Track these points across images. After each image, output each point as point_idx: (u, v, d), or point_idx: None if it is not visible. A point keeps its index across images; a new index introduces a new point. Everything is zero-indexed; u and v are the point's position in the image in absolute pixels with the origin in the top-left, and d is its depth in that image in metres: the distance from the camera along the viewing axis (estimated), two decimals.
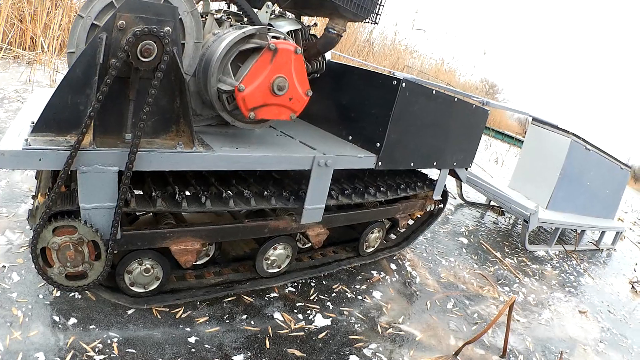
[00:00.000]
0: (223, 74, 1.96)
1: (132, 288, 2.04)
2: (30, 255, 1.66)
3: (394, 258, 3.64)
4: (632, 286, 5.28)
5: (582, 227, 5.68)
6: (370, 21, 2.54)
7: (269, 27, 2.06)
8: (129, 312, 2.14)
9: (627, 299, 4.83)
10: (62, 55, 6.67)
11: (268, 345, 2.21)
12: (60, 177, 1.57)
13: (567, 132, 5.17)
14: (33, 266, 2.17)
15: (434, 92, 2.72)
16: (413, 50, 16.02)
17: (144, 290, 2.08)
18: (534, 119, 5.58)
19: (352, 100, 2.79)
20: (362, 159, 2.52)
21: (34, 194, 2.29)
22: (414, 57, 16.23)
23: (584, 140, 5.28)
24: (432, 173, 3.44)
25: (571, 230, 6.21)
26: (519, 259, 4.75)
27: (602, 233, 6.38)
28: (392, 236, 3.75)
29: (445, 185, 3.48)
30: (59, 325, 1.95)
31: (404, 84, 2.47)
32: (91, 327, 1.99)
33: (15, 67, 5.92)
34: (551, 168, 5.29)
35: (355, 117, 2.76)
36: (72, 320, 1.99)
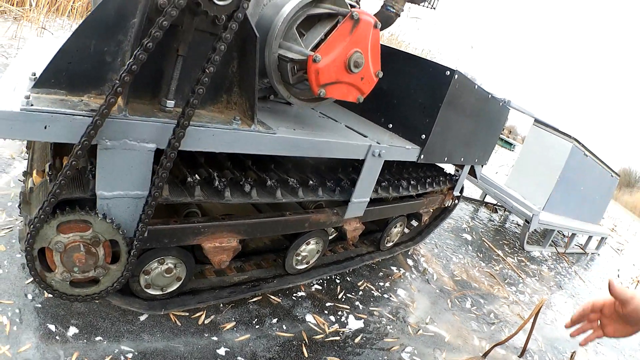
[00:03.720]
0: (285, 40, 1.52)
1: (148, 291, 1.57)
2: (25, 258, 1.16)
3: (409, 253, 3.35)
4: None
5: (575, 231, 5.53)
6: (428, 5, 2.17)
7: None
8: (142, 318, 1.70)
9: None
10: (50, 13, 5.97)
11: (306, 354, 1.84)
12: (75, 155, 1.05)
13: (569, 136, 4.93)
14: (18, 256, 1.70)
15: (476, 86, 2.39)
16: (398, 40, 15.68)
17: (160, 293, 1.62)
18: (536, 120, 5.35)
19: (395, 86, 2.42)
20: (409, 151, 2.17)
21: (25, 170, 1.76)
22: (398, 46, 15.93)
23: (583, 145, 5.06)
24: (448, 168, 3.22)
25: (559, 232, 6.02)
26: (519, 258, 4.55)
27: (589, 237, 6.27)
28: (405, 230, 3.41)
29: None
30: (57, 337, 1.47)
31: (456, 76, 2.17)
32: (97, 338, 1.53)
33: (1, 22, 5.22)
34: (551, 170, 5.06)
35: (397, 104, 2.39)
36: (73, 330, 1.52)
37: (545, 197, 5.06)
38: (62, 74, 1.11)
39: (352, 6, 1.66)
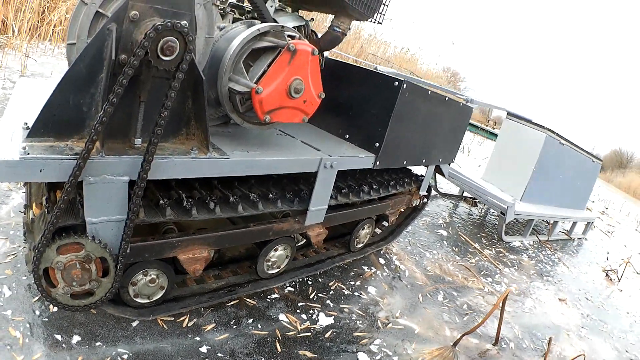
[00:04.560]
0: (234, 73, 1.88)
1: (137, 299, 1.95)
2: (33, 277, 1.51)
3: (381, 252, 3.70)
4: (607, 274, 5.51)
5: (555, 218, 5.89)
6: (374, 20, 2.52)
7: (282, 25, 1.99)
8: (134, 324, 2.06)
9: (602, 286, 5.08)
10: (33, 40, 6.35)
11: (279, 349, 2.20)
12: (66, 191, 1.41)
13: (542, 127, 5.33)
14: (23, 278, 2.08)
15: (430, 92, 2.74)
16: (378, 40, 16.16)
17: (148, 301, 1.99)
18: (509, 113, 5.73)
19: (350, 98, 2.78)
20: (363, 159, 2.53)
21: (25, 203, 2.13)
22: (377, 44, 16.38)
23: (558, 135, 5.47)
24: (415, 168, 3.50)
25: (543, 220, 6.39)
26: (497, 249, 4.90)
27: (574, 223, 6.67)
28: (377, 231, 3.77)
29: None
30: (63, 345, 1.84)
31: (404, 85, 2.51)
32: (97, 344, 1.89)
33: None
34: (526, 161, 5.45)
35: (353, 116, 2.76)
36: (76, 338, 1.88)
37: (523, 188, 5.45)
38: (49, 124, 1.46)
39: (292, 37, 2.01)
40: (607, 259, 6.34)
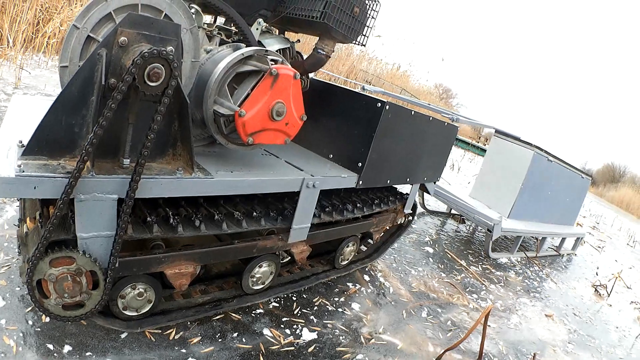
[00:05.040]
0: (219, 96, 2.03)
1: (125, 312, 2.08)
2: (27, 288, 1.64)
3: (366, 269, 3.83)
4: (595, 289, 5.66)
5: (543, 235, 6.06)
6: (358, 43, 2.67)
7: (266, 49, 2.14)
8: (123, 335, 2.19)
9: (591, 301, 5.24)
10: (27, 52, 6.53)
11: None
12: (58, 208, 1.55)
13: (530, 144, 5.52)
14: (17, 289, 2.22)
15: (413, 112, 2.89)
16: (370, 57, 16.47)
17: (136, 314, 2.12)
18: (497, 131, 5.91)
19: (334, 119, 2.95)
20: (346, 179, 2.68)
21: (20, 217, 2.28)
22: (368, 61, 16.69)
23: (546, 152, 5.66)
24: (401, 186, 3.64)
25: (532, 237, 6.55)
26: (484, 266, 5.05)
27: (563, 239, 6.85)
28: (363, 248, 3.91)
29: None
30: (54, 354, 1.97)
31: (387, 107, 2.66)
32: (87, 354, 2.02)
33: None
34: (513, 179, 5.64)
35: (337, 136, 2.92)
36: (67, 348, 2.01)
37: (510, 205, 5.63)
38: (43, 143, 1.59)
39: (275, 61, 2.16)
40: (597, 274, 6.50)
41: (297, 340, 2.57)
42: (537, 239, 6.45)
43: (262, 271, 2.61)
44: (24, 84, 5.87)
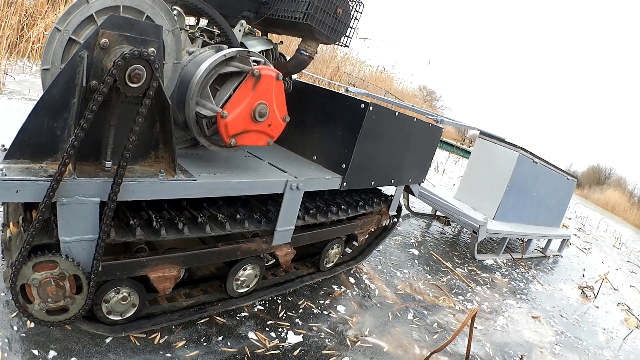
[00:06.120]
0: (201, 97, 2.09)
1: (109, 316, 2.12)
2: (10, 293, 1.67)
3: (352, 271, 3.91)
4: (582, 291, 5.81)
5: (529, 236, 6.20)
6: (341, 44, 2.74)
7: (248, 50, 2.20)
8: (107, 340, 2.24)
9: (578, 303, 5.40)
10: (12, 57, 6.51)
11: None
12: (41, 211, 1.58)
13: (515, 145, 5.66)
14: (2, 294, 2.26)
15: (397, 114, 2.97)
16: (353, 59, 16.61)
17: (120, 318, 2.16)
18: (482, 133, 6.03)
19: (318, 120, 3.03)
20: (329, 181, 2.75)
21: (3, 222, 2.30)
22: (352, 64, 16.83)
23: (531, 153, 5.81)
24: (385, 188, 3.71)
25: (518, 238, 6.68)
26: (469, 268, 5.17)
27: (549, 241, 7.02)
28: (348, 250, 3.98)
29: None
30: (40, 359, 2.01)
31: (371, 107, 2.74)
32: (72, 359, 2.06)
33: None
34: (498, 180, 5.77)
35: (320, 137, 2.99)
36: (52, 353, 2.05)
37: (496, 206, 5.75)
38: (25, 147, 1.63)
39: (257, 62, 2.21)
40: (583, 276, 6.68)
41: (283, 344, 2.63)
42: (522, 241, 6.59)
43: (247, 274, 2.67)
44: (9, 89, 5.87)
